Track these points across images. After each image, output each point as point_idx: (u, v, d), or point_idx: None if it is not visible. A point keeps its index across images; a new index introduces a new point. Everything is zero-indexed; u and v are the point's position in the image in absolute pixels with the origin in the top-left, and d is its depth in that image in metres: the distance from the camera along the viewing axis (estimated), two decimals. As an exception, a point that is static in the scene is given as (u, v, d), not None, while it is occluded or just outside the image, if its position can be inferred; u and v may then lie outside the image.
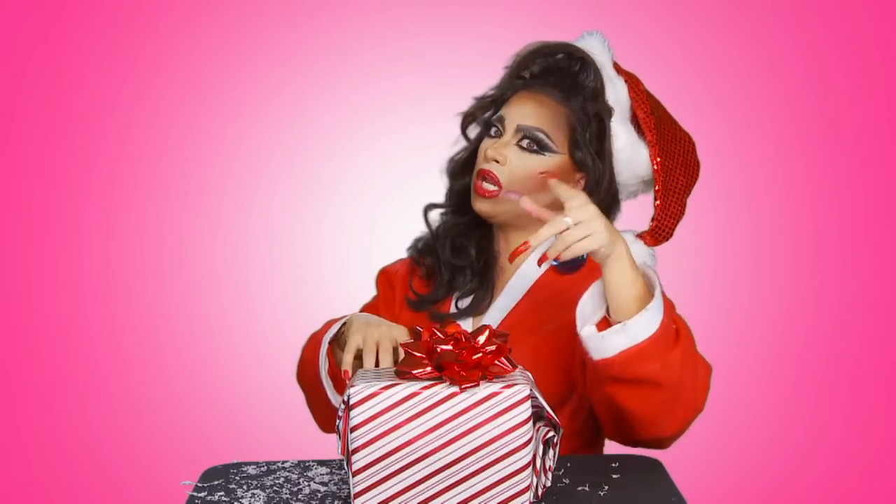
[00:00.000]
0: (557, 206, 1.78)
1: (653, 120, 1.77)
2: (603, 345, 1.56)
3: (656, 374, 1.56)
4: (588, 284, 1.71)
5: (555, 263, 1.79)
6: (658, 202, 1.77)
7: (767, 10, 2.77)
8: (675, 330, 1.60)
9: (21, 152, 2.81)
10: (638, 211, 1.85)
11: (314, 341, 1.76)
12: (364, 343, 1.57)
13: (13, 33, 2.78)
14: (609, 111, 1.76)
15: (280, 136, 2.88)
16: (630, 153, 1.77)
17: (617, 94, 1.78)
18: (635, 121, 1.79)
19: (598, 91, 1.76)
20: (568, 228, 1.51)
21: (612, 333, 1.55)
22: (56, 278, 2.82)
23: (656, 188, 1.77)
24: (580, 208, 1.52)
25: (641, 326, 1.55)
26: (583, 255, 1.77)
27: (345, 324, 1.69)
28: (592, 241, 1.52)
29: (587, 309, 1.61)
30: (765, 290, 2.81)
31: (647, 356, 1.55)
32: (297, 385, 1.85)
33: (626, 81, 1.79)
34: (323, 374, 1.71)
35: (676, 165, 1.78)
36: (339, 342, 1.70)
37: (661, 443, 1.67)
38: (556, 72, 1.79)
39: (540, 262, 1.56)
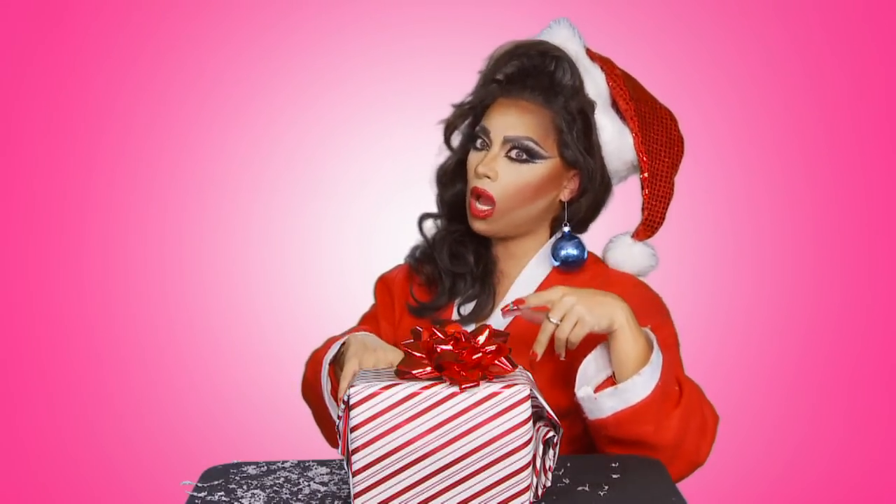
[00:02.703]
0: (550, 214, 1.79)
1: (633, 107, 1.77)
2: (596, 406, 1.60)
3: (650, 436, 1.60)
4: (596, 284, 1.71)
5: (556, 264, 1.79)
6: (646, 191, 1.77)
7: (767, 9, 2.77)
8: (676, 391, 1.62)
9: (21, 152, 2.81)
10: (628, 202, 1.85)
11: (315, 361, 1.76)
12: (360, 369, 1.58)
13: (14, 33, 2.78)
14: (592, 105, 1.76)
15: (281, 137, 2.88)
16: (617, 143, 1.77)
17: (596, 86, 1.77)
18: (615, 105, 1.79)
19: (578, 87, 1.76)
20: (557, 326, 1.57)
21: (604, 396, 1.60)
22: (57, 278, 2.83)
23: (643, 176, 1.77)
24: (559, 302, 1.58)
25: (635, 390, 1.58)
26: (583, 255, 1.78)
27: (343, 343, 1.70)
28: (583, 327, 1.57)
29: (590, 370, 1.63)
30: (764, 291, 2.81)
31: (641, 419, 1.59)
32: (296, 385, 1.85)
33: (601, 68, 1.78)
34: (326, 396, 1.72)
35: (660, 148, 1.78)
36: (339, 363, 1.70)
37: None
38: (532, 72, 1.77)
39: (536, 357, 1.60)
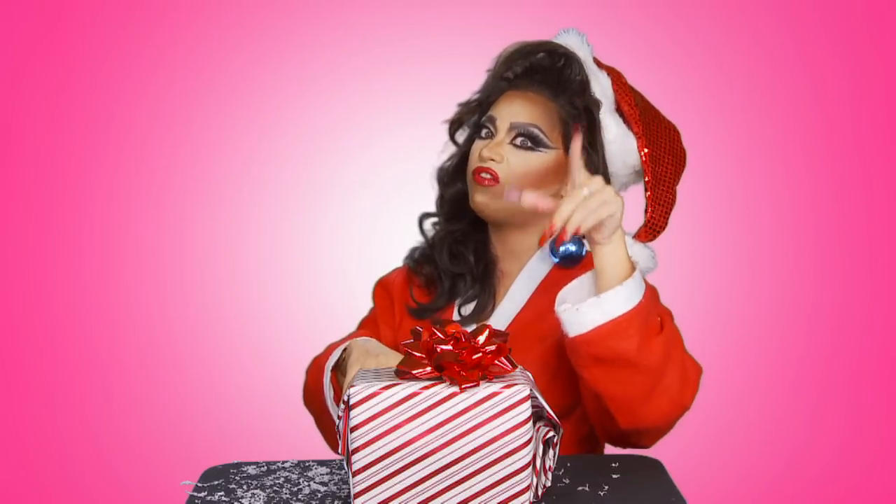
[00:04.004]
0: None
1: (637, 111, 1.78)
2: (578, 318, 1.56)
3: (632, 353, 1.55)
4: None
5: (555, 260, 1.78)
6: (649, 193, 1.77)
7: (767, 9, 2.77)
8: (658, 321, 1.60)
9: (21, 152, 2.81)
10: (631, 206, 1.85)
11: (317, 367, 1.76)
12: None
13: (13, 33, 2.78)
14: (597, 104, 1.77)
15: (281, 137, 2.88)
16: (621, 144, 1.78)
17: (602, 88, 1.78)
18: (620, 113, 1.80)
19: (585, 85, 1.77)
20: (585, 199, 1.51)
21: (587, 306, 1.55)
22: (57, 278, 2.83)
23: (646, 179, 1.77)
24: (591, 179, 1.53)
25: (617, 301, 1.55)
26: (581, 252, 1.77)
27: (345, 349, 1.69)
28: (610, 207, 1.52)
29: (567, 298, 1.61)
30: (764, 290, 2.81)
31: (623, 333, 1.55)
32: (297, 385, 1.85)
33: (608, 75, 1.80)
34: (329, 403, 1.72)
35: (664, 154, 1.79)
36: (340, 369, 1.70)
37: (643, 437, 1.65)
38: (541, 70, 1.79)
39: (558, 243, 1.54)
